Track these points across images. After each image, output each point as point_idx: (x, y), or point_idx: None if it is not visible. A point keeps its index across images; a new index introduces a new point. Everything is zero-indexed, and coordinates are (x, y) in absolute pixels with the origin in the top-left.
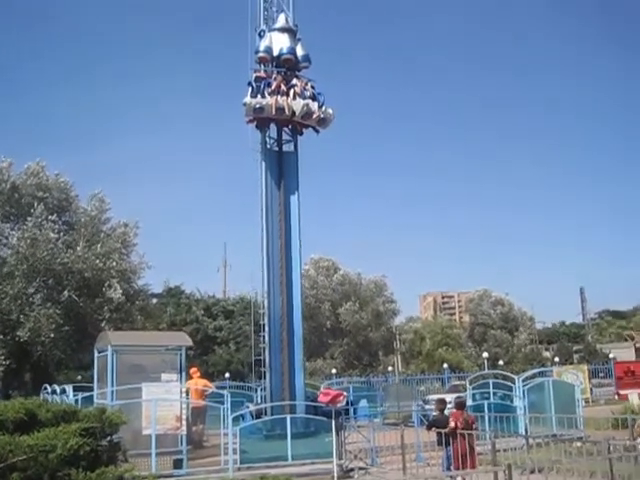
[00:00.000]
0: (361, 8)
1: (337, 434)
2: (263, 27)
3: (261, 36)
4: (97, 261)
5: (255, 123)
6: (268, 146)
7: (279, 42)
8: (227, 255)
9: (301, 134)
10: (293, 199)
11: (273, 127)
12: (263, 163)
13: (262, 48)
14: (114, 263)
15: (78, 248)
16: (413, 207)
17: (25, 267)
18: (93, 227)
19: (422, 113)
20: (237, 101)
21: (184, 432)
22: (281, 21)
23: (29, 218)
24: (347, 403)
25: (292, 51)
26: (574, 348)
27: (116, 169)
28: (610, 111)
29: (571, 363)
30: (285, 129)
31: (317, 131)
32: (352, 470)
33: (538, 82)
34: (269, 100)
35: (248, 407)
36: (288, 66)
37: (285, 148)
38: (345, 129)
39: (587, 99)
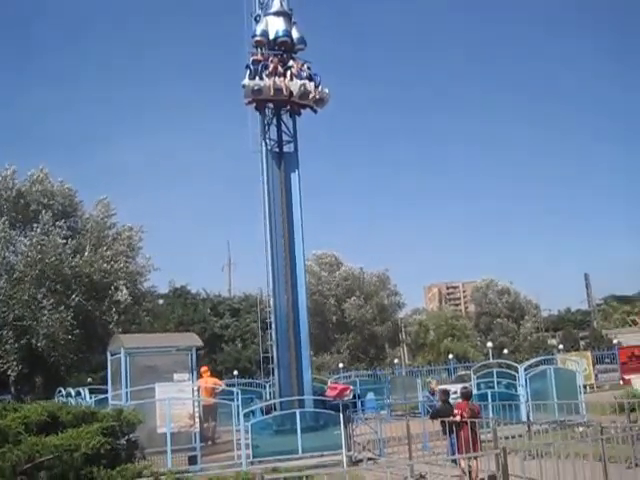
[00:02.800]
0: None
1: (345, 427)
2: (259, 12)
3: (257, 20)
4: (104, 264)
5: (254, 105)
6: (269, 147)
7: (275, 25)
8: (231, 254)
9: (299, 114)
10: (295, 197)
11: (273, 129)
12: (264, 162)
13: (258, 32)
14: (121, 265)
15: (85, 252)
16: (414, 199)
17: (34, 273)
18: (99, 232)
19: (425, 106)
20: (238, 96)
21: (197, 430)
22: (276, 5)
23: (36, 225)
24: (354, 396)
25: (287, 34)
26: (580, 335)
27: (117, 172)
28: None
29: (577, 350)
30: (282, 112)
31: (315, 111)
32: (361, 461)
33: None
34: (267, 82)
35: (257, 403)
36: (284, 48)
37: (285, 149)
38: (346, 121)
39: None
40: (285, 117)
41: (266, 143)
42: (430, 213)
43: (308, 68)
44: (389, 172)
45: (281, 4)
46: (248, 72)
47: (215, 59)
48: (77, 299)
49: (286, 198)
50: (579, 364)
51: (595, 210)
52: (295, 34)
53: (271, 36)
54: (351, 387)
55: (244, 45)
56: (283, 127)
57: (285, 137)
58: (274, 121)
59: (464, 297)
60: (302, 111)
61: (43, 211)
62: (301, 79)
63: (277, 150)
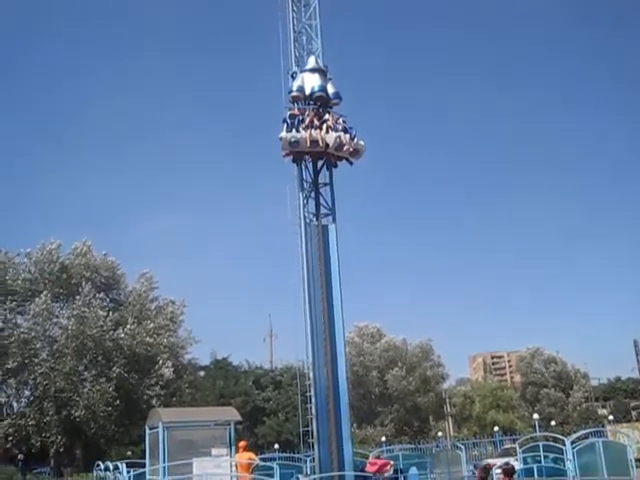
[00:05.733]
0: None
1: None
2: (295, 69)
3: (293, 77)
4: (147, 337)
5: (291, 157)
6: (307, 220)
7: (310, 81)
8: (273, 324)
9: (335, 166)
10: (334, 270)
11: (312, 202)
12: (303, 234)
13: (295, 88)
14: (164, 340)
15: (127, 325)
16: (457, 266)
17: (75, 345)
18: (142, 305)
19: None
20: (276, 169)
21: None
22: (311, 62)
23: (77, 297)
24: (395, 471)
25: (323, 89)
26: (632, 404)
27: (160, 243)
28: None
29: (629, 420)
30: (320, 162)
31: (351, 163)
32: None
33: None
34: (303, 134)
35: (298, 478)
36: (320, 103)
37: (324, 221)
38: (386, 191)
39: None
40: (323, 190)
41: (305, 216)
42: (473, 281)
43: (343, 122)
44: (433, 238)
45: (316, 61)
46: (285, 126)
47: (255, 133)
48: (118, 371)
49: (325, 270)
50: (630, 437)
51: None
52: (330, 89)
53: (307, 92)
54: (392, 462)
55: (282, 105)
56: (321, 200)
57: (323, 210)
58: (312, 194)
59: (509, 367)
60: (339, 163)
61: (84, 283)
62: (337, 132)
63: (315, 223)
